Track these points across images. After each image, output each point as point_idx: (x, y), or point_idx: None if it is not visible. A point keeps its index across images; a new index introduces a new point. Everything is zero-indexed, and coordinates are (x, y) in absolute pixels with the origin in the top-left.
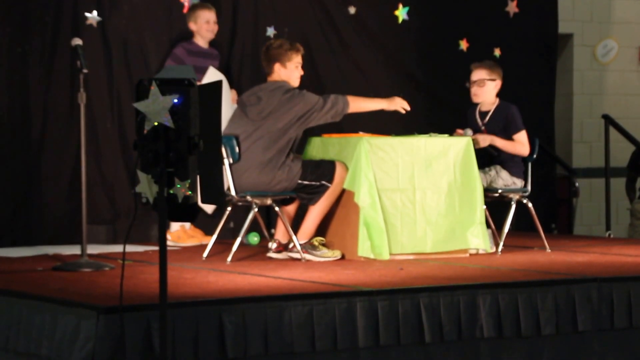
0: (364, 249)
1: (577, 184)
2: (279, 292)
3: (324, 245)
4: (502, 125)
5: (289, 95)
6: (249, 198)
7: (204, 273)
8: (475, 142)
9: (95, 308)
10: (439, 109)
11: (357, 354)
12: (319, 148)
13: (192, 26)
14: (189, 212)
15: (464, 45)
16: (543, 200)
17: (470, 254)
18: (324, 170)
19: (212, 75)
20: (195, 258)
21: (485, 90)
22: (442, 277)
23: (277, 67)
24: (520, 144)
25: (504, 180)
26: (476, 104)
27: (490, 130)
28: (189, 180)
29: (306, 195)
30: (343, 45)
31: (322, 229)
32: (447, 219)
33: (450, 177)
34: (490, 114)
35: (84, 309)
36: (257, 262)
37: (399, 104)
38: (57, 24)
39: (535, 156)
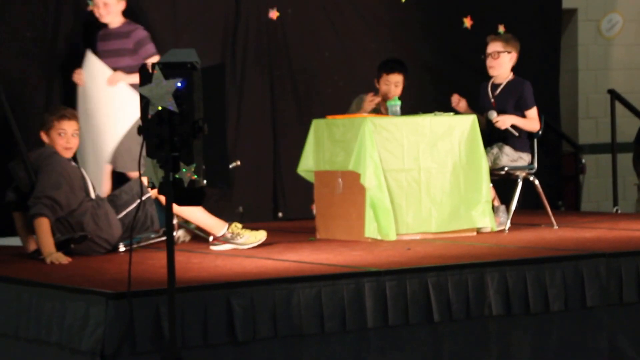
0: (370, 230)
1: (583, 161)
2: (287, 274)
3: (244, 229)
4: (514, 100)
5: None
6: None
7: (211, 257)
8: (499, 123)
9: (104, 294)
10: (443, 88)
11: (366, 334)
12: (324, 130)
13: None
14: (195, 197)
15: (467, 22)
16: (549, 177)
17: (478, 232)
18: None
19: (88, 62)
20: (203, 243)
21: (500, 62)
22: (449, 256)
23: None
24: (533, 120)
25: (509, 155)
26: (489, 78)
27: (500, 104)
28: (195, 165)
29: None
30: (346, 25)
31: (326, 212)
32: (452, 199)
33: (455, 156)
34: (501, 87)
35: (92, 295)
36: (263, 245)
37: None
38: (59, 8)
39: (541, 133)
